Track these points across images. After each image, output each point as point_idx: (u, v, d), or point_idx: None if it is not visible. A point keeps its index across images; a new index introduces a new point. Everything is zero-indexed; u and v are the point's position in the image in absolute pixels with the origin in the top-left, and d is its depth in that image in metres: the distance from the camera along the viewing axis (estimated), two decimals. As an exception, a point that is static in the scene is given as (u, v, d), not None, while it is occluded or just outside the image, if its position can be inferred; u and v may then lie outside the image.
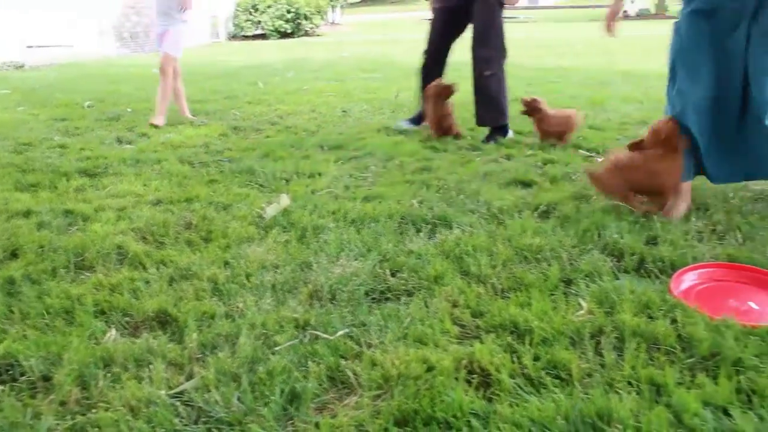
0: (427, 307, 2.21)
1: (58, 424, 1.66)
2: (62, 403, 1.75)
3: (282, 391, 1.74)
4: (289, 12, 21.23)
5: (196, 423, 1.66)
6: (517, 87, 7.54)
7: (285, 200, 3.34)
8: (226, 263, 2.62)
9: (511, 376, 1.79)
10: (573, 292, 2.30)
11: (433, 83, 4.93)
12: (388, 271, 2.49)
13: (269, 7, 21.13)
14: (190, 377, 1.85)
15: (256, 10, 21.29)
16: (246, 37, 21.47)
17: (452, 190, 3.54)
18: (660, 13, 29.54)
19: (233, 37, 21.64)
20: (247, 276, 2.49)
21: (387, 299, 2.31)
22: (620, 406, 1.62)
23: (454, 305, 2.22)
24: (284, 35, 21.28)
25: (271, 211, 3.20)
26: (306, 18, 21.75)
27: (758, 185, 3.42)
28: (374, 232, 2.91)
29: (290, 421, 1.66)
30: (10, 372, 1.89)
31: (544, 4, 44.15)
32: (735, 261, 2.54)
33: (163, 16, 5.84)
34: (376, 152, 4.50)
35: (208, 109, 6.69)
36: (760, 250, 2.62)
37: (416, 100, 5.43)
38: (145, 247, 2.82)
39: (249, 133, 5.50)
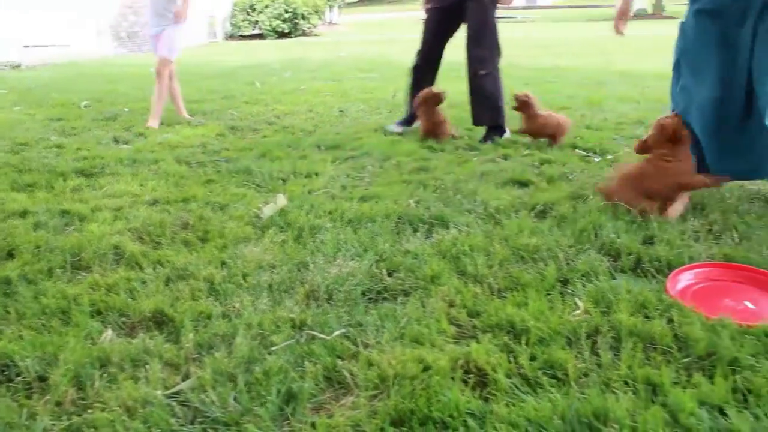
0: (423, 307, 2.21)
1: (53, 425, 1.66)
2: (58, 404, 1.74)
3: (278, 391, 1.74)
4: (286, 12, 21.21)
5: (192, 423, 1.66)
6: (514, 87, 7.51)
7: (282, 200, 3.34)
8: (223, 263, 2.62)
9: (508, 376, 1.79)
10: (569, 291, 2.30)
11: (422, 92, 4.93)
12: (384, 271, 2.49)
13: (266, 7, 21.11)
14: (186, 377, 1.85)
15: (254, 9, 21.28)
16: (243, 37, 21.46)
17: (449, 190, 3.54)
18: (657, 13, 29.56)
19: (230, 36, 21.62)
20: (244, 276, 2.49)
21: (384, 299, 2.31)
22: (616, 406, 1.62)
23: (451, 305, 2.22)
24: (281, 35, 21.26)
25: (268, 211, 3.20)
26: (303, 18, 21.73)
27: (754, 185, 3.43)
28: (371, 232, 2.91)
29: (287, 422, 1.66)
30: (6, 372, 1.89)
31: (541, 3, 44.18)
32: (731, 261, 2.54)
33: (158, 18, 5.77)
34: (373, 152, 4.50)
35: (205, 109, 6.68)
36: (756, 250, 2.62)
37: (406, 99, 5.38)
38: (142, 247, 2.81)
39: (246, 133, 5.49)
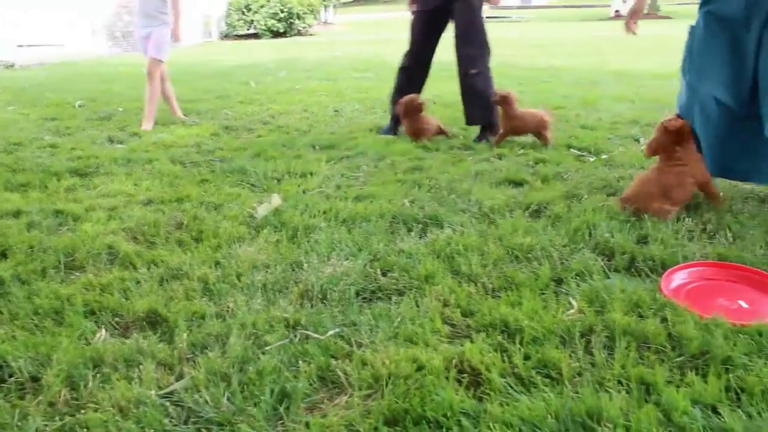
0: (417, 306, 2.21)
1: (46, 425, 1.66)
2: (51, 404, 1.74)
3: (272, 391, 1.74)
4: (281, 11, 21.17)
5: (185, 423, 1.66)
6: (509, 86, 7.53)
7: (276, 200, 3.34)
8: (217, 263, 2.62)
9: (502, 376, 1.79)
10: (563, 291, 2.30)
11: (402, 100, 4.93)
12: (378, 271, 2.49)
13: (262, 6, 21.08)
14: (180, 377, 1.84)
15: (249, 9, 21.23)
16: (238, 37, 21.42)
17: (443, 190, 3.55)
18: (652, 13, 29.59)
19: (225, 36, 21.58)
20: (238, 276, 2.48)
21: (378, 299, 2.32)
22: (610, 405, 1.62)
23: (445, 305, 2.22)
24: (277, 35, 21.23)
25: (262, 210, 3.20)
26: (299, 17, 21.70)
27: (748, 185, 3.44)
28: (365, 231, 2.91)
29: (280, 421, 1.66)
30: (-1, 373, 1.88)
31: (536, 3, 44.23)
32: (725, 260, 2.55)
33: (146, 18, 5.71)
34: (367, 152, 4.50)
35: (199, 108, 6.67)
36: (749, 249, 2.63)
37: (390, 102, 5.27)
38: (136, 247, 2.81)
39: (241, 132, 5.48)
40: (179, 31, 5.82)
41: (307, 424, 1.63)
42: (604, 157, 4.25)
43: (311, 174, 3.97)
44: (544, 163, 4.14)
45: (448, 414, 1.63)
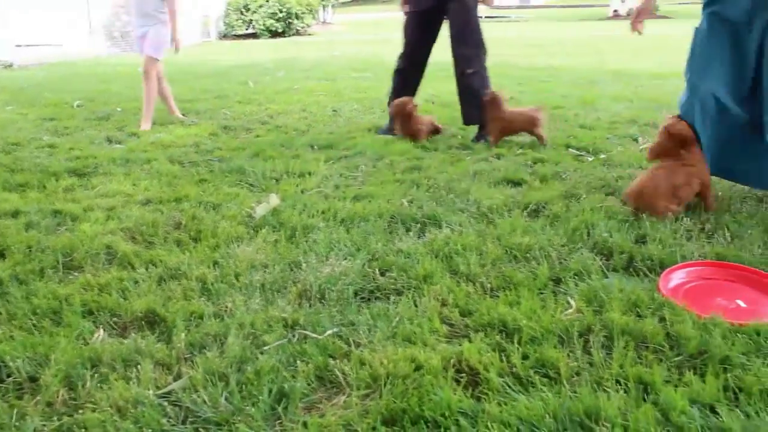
0: (416, 306, 2.21)
1: (44, 425, 1.66)
2: (49, 404, 1.74)
3: (270, 391, 1.74)
4: (280, 11, 21.16)
5: (183, 423, 1.66)
6: (508, 86, 7.54)
7: (274, 200, 3.34)
8: (216, 263, 2.62)
9: (500, 375, 1.79)
10: (562, 290, 2.30)
11: (394, 103, 4.95)
12: (377, 271, 2.49)
13: (260, 6, 21.07)
14: (178, 377, 1.84)
15: (248, 9, 21.23)
16: (237, 37, 21.41)
17: (442, 189, 3.55)
18: (651, 12, 29.63)
19: (224, 36, 21.57)
20: (236, 276, 2.48)
21: (376, 298, 2.31)
22: (608, 405, 1.62)
23: (443, 304, 2.22)
24: (275, 34, 21.22)
25: (260, 210, 3.20)
26: (297, 17, 21.69)
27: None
28: (364, 231, 2.91)
29: (278, 421, 1.66)
30: (-3, 373, 1.88)
31: (535, 3, 44.25)
32: (723, 259, 2.55)
33: (143, 17, 5.68)
34: (366, 151, 4.50)
35: (198, 108, 6.66)
36: (748, 249, 2.63)
37: (388, 104, 5.26)
38: (134, 247, 2.80)
39: (239, 132, 5.48)
40: (178, 38, 5.80)
41: (305, 424, 1.63)
42: (602, 156, 4.25)
43: (309, 174, 3.97)
44: (542, 162, 4.14)
45: (446, 414, 1.63)
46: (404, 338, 2.00)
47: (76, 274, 2.56)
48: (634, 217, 2.95)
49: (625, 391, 1.71)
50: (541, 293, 2.28)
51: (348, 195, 3.46)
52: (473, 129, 5.00)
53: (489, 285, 2.36)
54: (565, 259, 2.56)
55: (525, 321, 2.04)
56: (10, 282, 2.45)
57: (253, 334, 2.05)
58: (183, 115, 6.17)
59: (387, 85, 5.35)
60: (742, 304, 2.24)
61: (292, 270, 2.54)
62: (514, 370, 1.82)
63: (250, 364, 1.87)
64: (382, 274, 2.47)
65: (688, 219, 2.95)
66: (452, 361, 1.86)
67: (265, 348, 1.97)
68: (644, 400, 1.68)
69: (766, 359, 1.84)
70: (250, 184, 3.78)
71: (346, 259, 2.62)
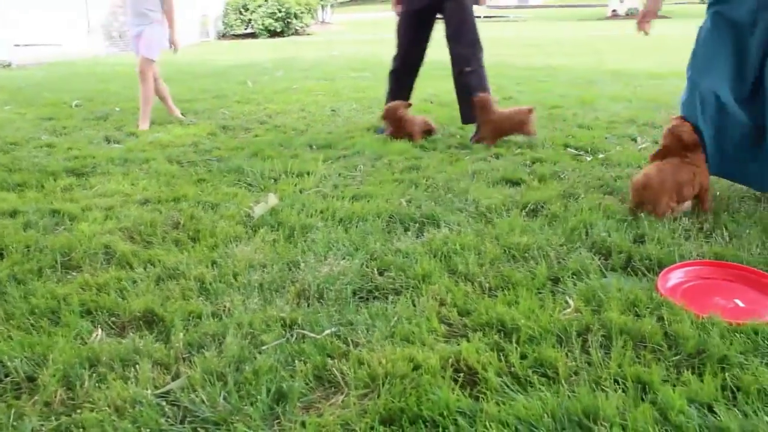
0: (414, 305, 2.21)
1: (42, 425, 1.65)
2: (47, 404, 1.74)
3: (268, 391, 1.74)
4: (279, 11, 21.17)
5: (182, 423, 1.66)
6: (507, 86, 7.57)
7: (273, 199, 3.34)
8: (214, 262, 2.61)
9: (498, 375, 1.79)
10: (560, 290, 2.30)
11: (385, 108, 4.97)
12: (375, 270, 2.49)
13: (259, 6, 21.07)
14: (176, 377, 1.84)
15: (246, 9, 21.23)
16: (236, 36, 21.41)
17: (440, 189, 3.55)
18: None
19: (223, 36, 21.57)
20: (235, 275, 2.48)
21: (374, 298, 2.31)
22: (606, 404, 1.62)
23: (442, 304, 2.22)
24: (274, 34, 21.22)
25: (259, 210, 3.19)
26: (296, 17, 21.70)
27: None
28: (362, 231, 2.91)
29: (276, 421, 1.66)
30: (-5, 373, 1.88)
31: (533, 3, 44.27)
32: (721, 259, 2.55)
33: (138, 17, 5.65)
34: (364, 151, 4.50)
35: (196, 108, 6.66)
36: (746, 248, 2.63)
37: (384, 104, 5.21)
38: (133, 246, 2.80)
39: (238, 132, 5.48)
40: (176, 38, 5.79)
41: (303, 424, 1.63)
42: (601, 156, 4.25)
43: (308, 173, 3.97)
44: (541, 162, 4.14)
45: (445, 413, 1.63)
46: (402, 338, 2.00)
47: (74, 273, 2.56)
48: (633, 217, 2.95)
49: (624, 391, 1.71)
50: (540, 293, 2.28)
51: (346, 195, 3.46)
52: (472, 128, 5.00)
53: (487, 284, 2.36)
54: (564, 259, 2.56)
55: (523, 320, 2.04)
56: (8, 282, 2.45)
57: (251, 333, 2.05)
58: (182, 114, 6.16)
59: (385, 85, 5.35)
60: (740, 303, 2.24)
61: (290, 270, 2.54)
62: (513, 369, 1.82)
63: (249, 363, 1.87)
64: (381, 274, 2.47)
65: (687, 219, 2.95)
66: (450, 360, 1.86)
67: (264, 348, 1.97)
68: (642, 399, 1.68)
69: (764, 359, 1.84)
70: (248, 184, 3.78)
71: (344, 258, 2.62)
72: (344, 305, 2.23)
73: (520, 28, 22.35)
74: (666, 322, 2.03)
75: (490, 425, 1.58)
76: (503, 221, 2.97)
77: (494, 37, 16.84)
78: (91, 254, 2.70)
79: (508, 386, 1.74)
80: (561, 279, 2.38)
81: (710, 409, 1.63)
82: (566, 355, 1.89)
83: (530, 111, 4.69)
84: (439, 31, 4.98)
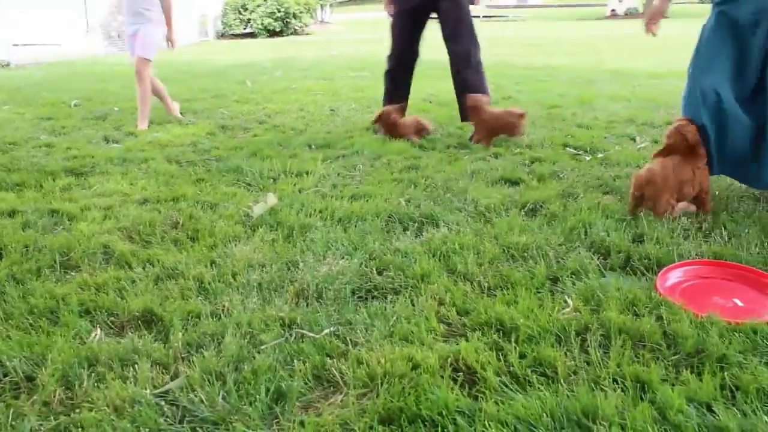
0: (413, 305, 2.21)
1: (41, 425, 1.65)
2: (46, 404, 1.74)
3: (267, 390, 1.74)
4: (278, 11, 21.16)
5: (180, 422, 1.66)
6: (506, 86, 7.57)
7: (272, 199, 3.33)
8: (213, 262, 2.61)
9: (497, 374, 1.79)
10: (559, 289, 2.30)
11: (377, 112, 4.98)
12: (374, 270, 2.49)
13: (258, 5, 21.07)
14: (175, 377, 1.84)
15: (245, 8, 21.23)
16: (235, 36, 21.40)
17: (440, 189, 3.55)
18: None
19: (222, 35, 21.56)
20: (234, 275, 2.48)
21: (373, 298, 2.31)
22: (605, 404, 1.62)
23: (441, 303, 2.22)
24: (273, 34, 21.21)
25: (258, 209, 3.19)
26: (295, 17, 21.69)
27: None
28: (361, 230, 2.91)
29: (275, 420, 1.66)
30: (-7, 373, 1.88)
31: (533, 3, 44.28)
32: (720, 258, 2.55)
33: (134, 16, 5.63)
34: (363, 151, 4.50)
35: (195, 107, 6.66)
36: (745, 248, 2.63)
37: (382, 105, 5.25)
38: (132, 246, 2.80)
39: (237, 131, 5.48)
40: (174, 38, 5.79)
41: (302, 423, 1.63)
42: (600, 155, 4.25)
43: (307, 173, 3.97)
44: (540, 161, 4.14)
45: (444, 413, 1.63)
46: (401, 337, 2.00)
47: (73, 273, 2.55)
48: (632, 216, 2.95)
49: (623, 390, 1.71)
50: (539, 292, 2.28)
51: (345, 194, 3.46)
52: (471, 127, 4.99)
53: (486, 284, 2.36)
54: (563, 258, 2.56)
55: (522, 320, 2.04)
56: (6, 281, 2.44)
57: (250, 333, 2.05)
58: (181, 114, 6.15)
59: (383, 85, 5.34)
60: (739, 302, 2.24)
61: (289, 269, 2.54)
62: (512, 369, 1.82)
63: (247, 363, 1.87)
64: (380, 274, 2.47)
65: (686, 218, 2.95)
66: (449, 360, 1.85)
67: (263, 347, 1.97)
68: (641, 398, 1.68)
69: (762, 358, 1.85)
70: (247, 184, 3.78)
71: (343, 258, 2.62)
72: (343, 305, 2.23)
73: (519, 28, 22.35)
74: (665, 322, 2.03)
75: (489, 425, 1.58)
76: (502, 221, 2.97)
77: (494, 37, 16.85)
78: (90, 254, 2.70)
79: (507, 386, 1.74)
80: (560, 278, 2.38)
81: (709, 409, 1.63)
82: (565, 354, 1.89)
83: (521, 116, 4.69)
84: (435, 31, 4.98)
